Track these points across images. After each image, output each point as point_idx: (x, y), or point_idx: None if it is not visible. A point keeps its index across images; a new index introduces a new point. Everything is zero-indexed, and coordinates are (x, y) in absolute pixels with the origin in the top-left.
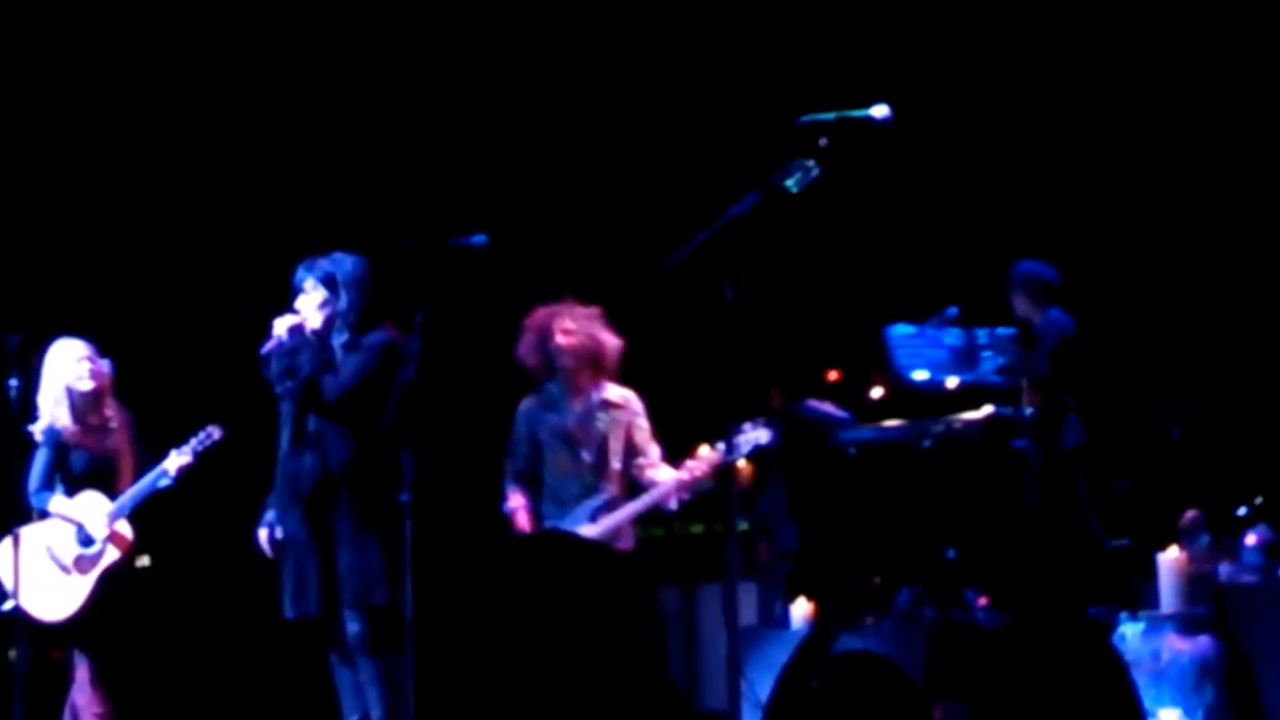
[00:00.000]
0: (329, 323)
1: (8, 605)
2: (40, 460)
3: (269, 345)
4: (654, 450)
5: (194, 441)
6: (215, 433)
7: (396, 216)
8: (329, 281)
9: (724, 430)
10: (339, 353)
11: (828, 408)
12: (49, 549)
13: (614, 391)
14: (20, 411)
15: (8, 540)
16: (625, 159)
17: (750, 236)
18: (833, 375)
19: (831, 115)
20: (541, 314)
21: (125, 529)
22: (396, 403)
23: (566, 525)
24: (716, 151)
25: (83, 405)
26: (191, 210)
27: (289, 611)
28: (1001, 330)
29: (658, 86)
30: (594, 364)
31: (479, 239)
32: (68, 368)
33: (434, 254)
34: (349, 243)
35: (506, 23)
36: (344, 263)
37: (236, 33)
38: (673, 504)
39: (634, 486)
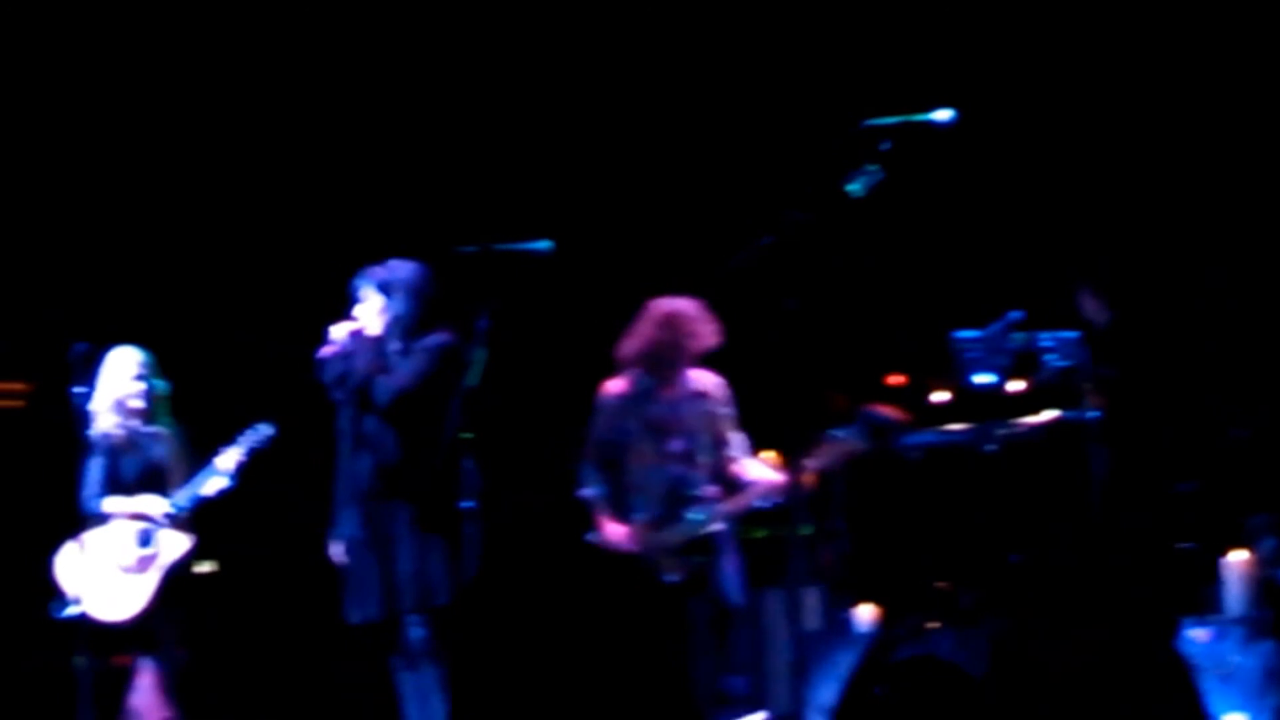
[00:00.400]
0: (386, 328)
1: (72, 610)
2: (96, 468)
3: (325, 350)
4: (738, 440)
5: (245, 438)
6: (266, 429)
7: (461, 222)
8: (385, 288)
9: (805, 437)
10: (395, 358)
11: (891, 413)
12: (110, 552)
13: (703, 379)
14: (88, 418)
15: (65, 552)
16: (689, 162)
17: (814, 241)
18: (896, 380)
19: (894, 119)
20: (672, 311)
21: (184, 530)
22: (460, 408)
23: (686, 527)
24: (781, 155)
25: (133, 418)
26: (254, 216)
27: (352, 616)
28: (1065, 333)
29: (722, 90)
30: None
31: (543, 244)
32: (121, 382)
33: (497, 260)
34: (411, 249)
35: (564, 29)
36: (400, 269)
37: (297, 36)
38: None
39: (719, 478)
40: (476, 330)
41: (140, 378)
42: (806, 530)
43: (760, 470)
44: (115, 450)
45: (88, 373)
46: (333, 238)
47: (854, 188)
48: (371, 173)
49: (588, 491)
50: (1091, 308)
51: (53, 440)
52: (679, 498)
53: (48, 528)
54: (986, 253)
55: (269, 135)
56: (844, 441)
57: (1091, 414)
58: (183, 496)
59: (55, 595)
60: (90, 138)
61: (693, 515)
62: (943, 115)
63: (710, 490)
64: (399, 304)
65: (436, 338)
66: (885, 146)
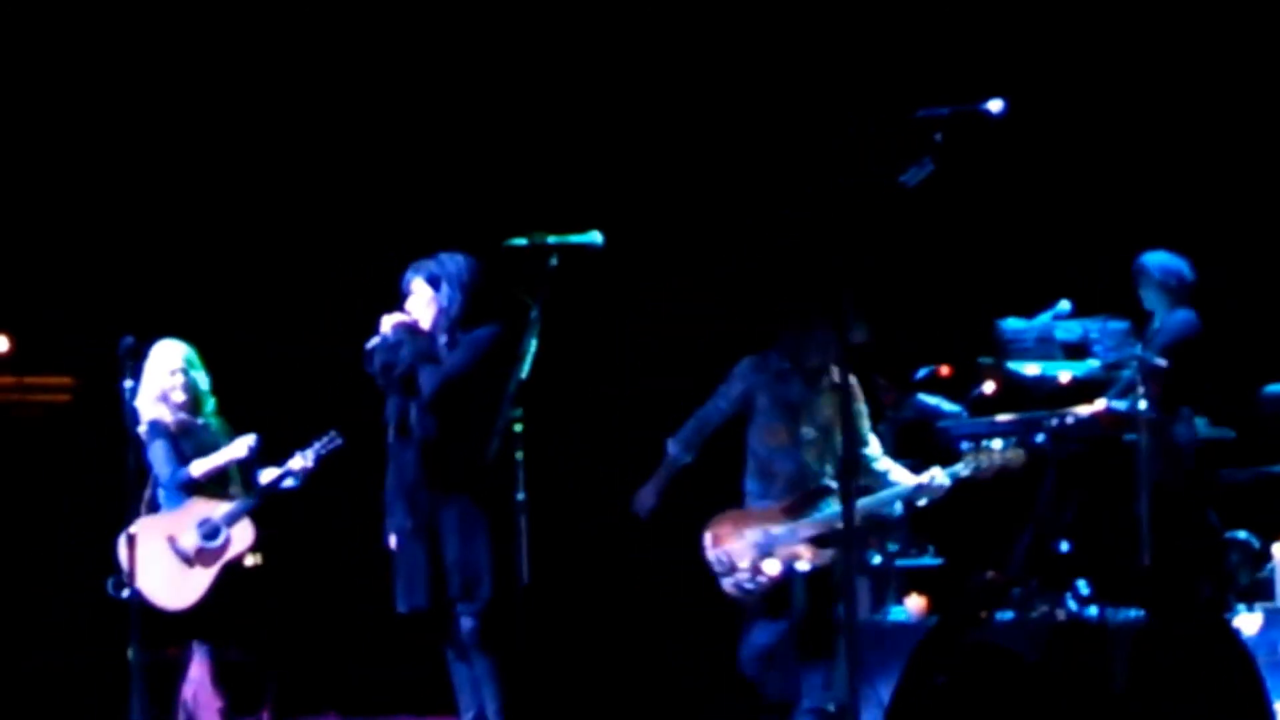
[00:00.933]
0: (434, 321)
1: (126, 593)
2: (161, 447)
3: (373, 341)
4: (875, 441)
5: (317, 445)
6: (337, 439)
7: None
8: (434, 280)
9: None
10: (442, 350)
11: (939, 403)
12: (171, 540)
13: (840, 375)
14: (134, 412)
15: (132, 534)
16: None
17: (866, 231)
18: (944, 370)
19: (946, 109)
20: (828, 303)
21: (248, 526)
22: (510, 400)
23: (825, 517)
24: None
25: (178, 411)
26: (302, 208)
27: (400, 605)
28: (1114, 323)
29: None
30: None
31: (593, 237)
32: (163, 376)
33: (548, 252)
34: (462, 241)
35: (608, 17)
36: (449, 262)
37: (342, 31)
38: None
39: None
40: (527, 322)
41: (181, 371)
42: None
43: (901, 473)
44: (173, 434)
45: (134, 367)
46: (382, 231)
47: (905, 178)
48: (422, 165)
49: (672, 447)
50: (1153, 299)
51: (99, 434)
52: (808, 485)
53: (93, 522)
54: (1036, 243)
55: (319, 124)
56: (1001, 454)
57: (1140, 405)
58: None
59: (114, 575)
60: (136, 131)
61: (830, 508)
62: (995, 105)
63: (837, 484)
64: (447, 296)
65: (485, 330)
66: (937, 138)
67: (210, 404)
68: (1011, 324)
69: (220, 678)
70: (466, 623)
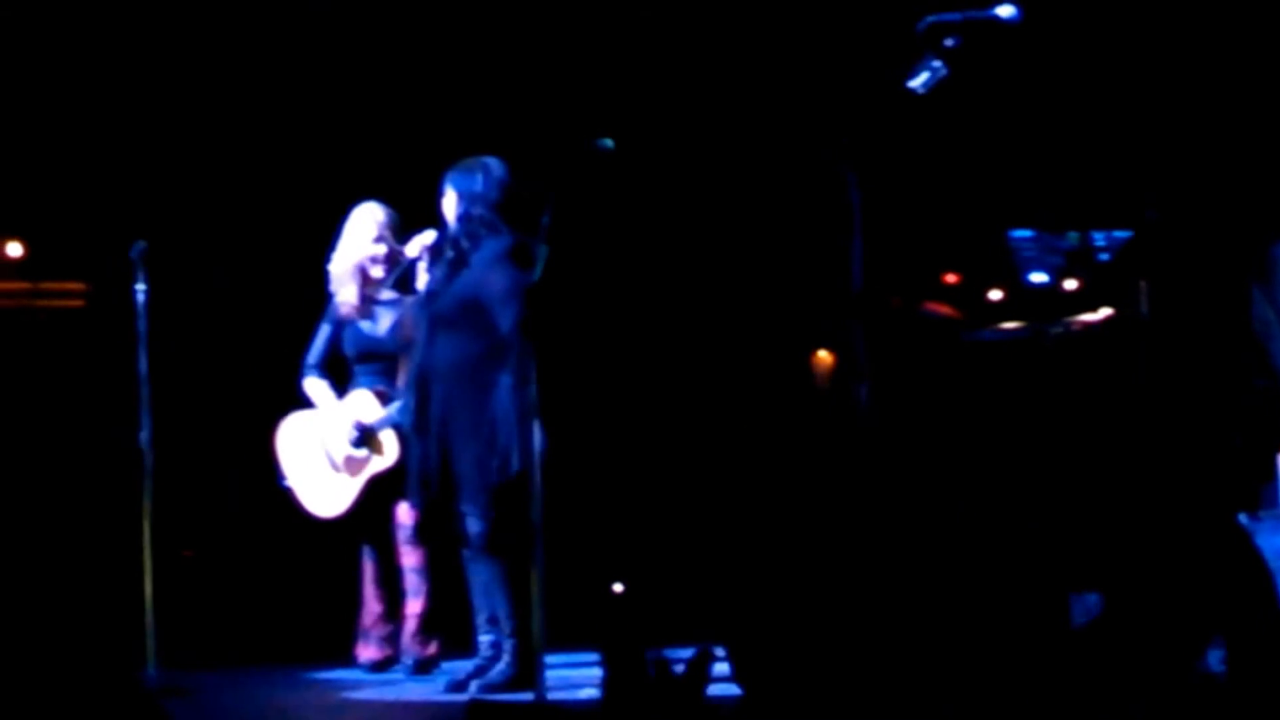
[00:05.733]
0: (456, 226)
1: (289, 483)
2: (321, 336)
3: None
4: None
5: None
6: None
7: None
8: (455, 187)
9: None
10: (469, 255)
11: (946, 310)
12: (323, 442)
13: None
14: (149, 319)
15: (285, 426)
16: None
17: (876, 137)
18: (951, 278)
19: (958, 15)
20: None
21: (392, 440)
22: (522, 303)
23: None
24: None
25: (371, 286)
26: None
27: (411, 500)
28: (1119, 233)
29: None
30: None
31: (604, 142)
32: (363, 243)
33: (559, 157)
34: (477, 147)
35: None
36: (474, 168)
37: None
38: None
39: None
40: (539, 226)
41: (381, 239)
42: None
43: None
44: (341, 320)
45: (147, 271)
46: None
47: (916, 85)
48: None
49: None
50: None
51: (111, 341)
52: None
53: (104, 429)
54: (1044, 151)
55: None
56: None
57: (1146, 311)
58: (394, 411)
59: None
60: (149, 33)
61: None
62: (1006, 10)
63: None
64: (478, 202)
65: (497, 243)
66: (950, 43)
67: (404, 282)
68: (1018, 233)
69: (382, 581)
70: (474, 526)
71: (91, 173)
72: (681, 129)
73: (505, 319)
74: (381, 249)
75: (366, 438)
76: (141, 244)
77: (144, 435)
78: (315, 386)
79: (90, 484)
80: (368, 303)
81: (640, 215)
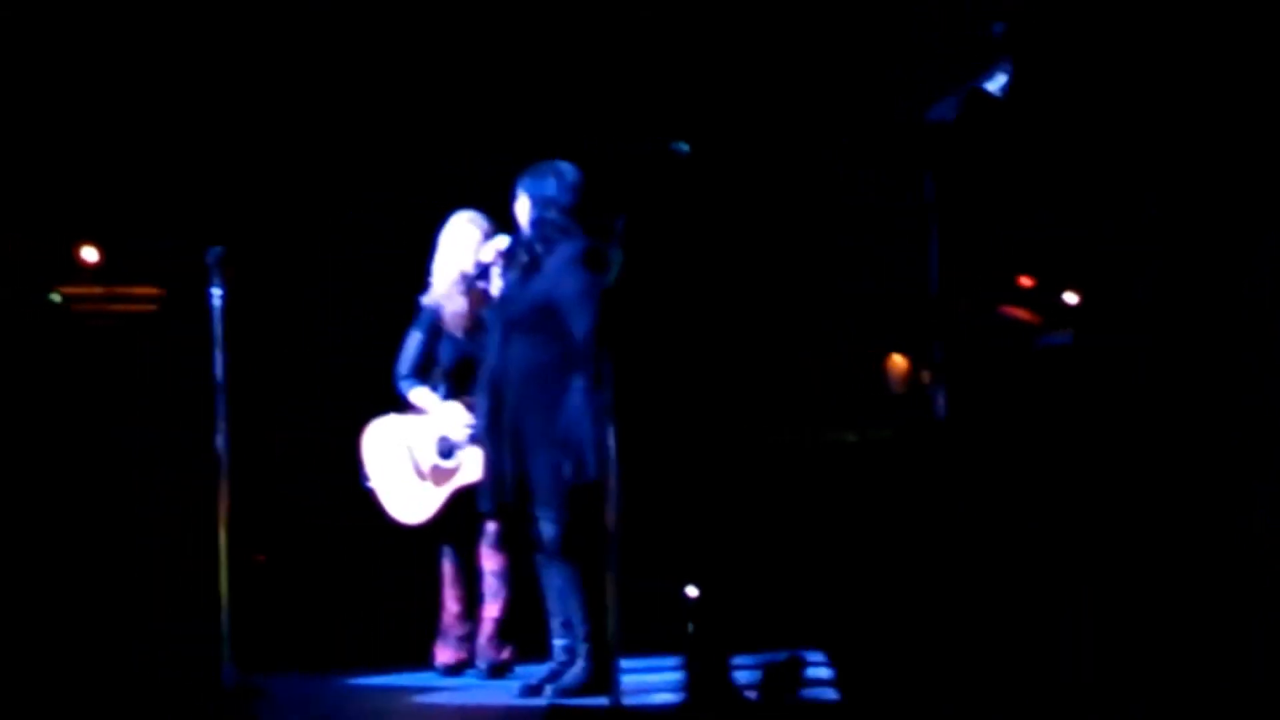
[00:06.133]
0: (530, 231)
1: (371, 485)
2: (413, 344)
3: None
4: None
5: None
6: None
7: (598, 123)
8: (526, 192)
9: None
10: (542, 260)
11: (1023, 315)
12: (410, 450)
13: None
14: (224, 323)
15: (371, 430)
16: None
17: (951, 141)
18: (1026, 281)
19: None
20: None
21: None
22: (596, 306)
23: None
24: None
25: (478, 292)
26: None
27: (484, 505)
28: None
29: None
30: None
31: (679, 145)
32: (470, 251)
33: (634, 161)
34: (551, 150)
35: None
36: (544, 173)
37: None
38: None
39: None
40: (615, 231)
41: (495, 243)
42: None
43: None
44: (438, 330)
45: (223, 277)
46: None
47: (992, 88)
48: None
49: None
50: None
51: (186, 345)
52: None
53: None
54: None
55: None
56: None
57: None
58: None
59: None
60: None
61: None
62: None
63: None
64: (550, 207)
65: (570, 247)
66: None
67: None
68: None
69: (461, 581)
70: (547, 530)
71: (167, 177)
72: (757, 132)
73: (579, 322)
74: (494, 249)
75: (454, 451)
76: (218, 249)
77: (219, 439)
78: (421, 393)
79: (166, 488)
80: (476, 314)
81: (715, 218)
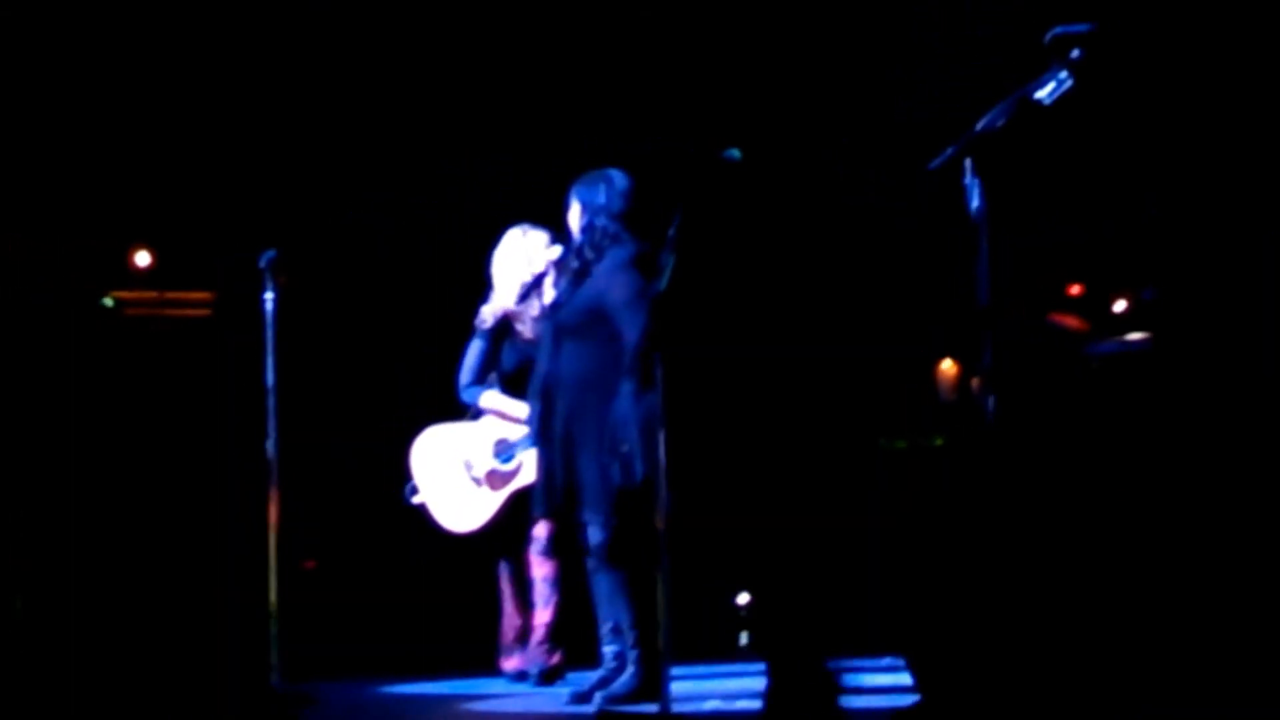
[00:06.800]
0: (581, 236)
1: (416, 499)
2: (474, 352)
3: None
4: None
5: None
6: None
7: (650, 127)
8: (579, 199)
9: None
10: (592, 266)
11: (1071, 322)
12: (465, 456)
13: None
14: (277, 325)
15: (422, 439)
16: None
17: (1002, 149)
18: (1075, 289)
19: (1085, 26)
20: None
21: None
22: (646, 311)
23: None
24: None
25: (537, 296)
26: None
27: (538, 510)
28: None
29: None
30: None
31: (731, 152)
32: (540, 255)
33: (685, 167)
34: (602, 157)
35: None
36: (595, 182)
37: None
38: None
39: None
40: (666, 237)
41: (550, 260)
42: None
43: None
44: (500, 337)
45: (275, 281)
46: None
47: (1042, 96)
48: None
49: None
50: None
51: (238, 350)
52: None
53: (230, 437)
54: (1173, 163)
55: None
56: None
57: None
58: None
59: (408, 481)
60: (284, 47)
61: None
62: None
63: None
64: (601, 214)
65: (620, 252)
66: (1076, 55)
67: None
68: None
69: (519, 593)
70: (595, 536)
71: (220, 182)
72: (808, 138)
73: (630, 327)
74: (550, 258)
75: (512, 454)
76: (271, 253)
77: (270, 445)
78: (491, 396)
79: (217, 493)
80: (539, 320)
81: (766, 224)
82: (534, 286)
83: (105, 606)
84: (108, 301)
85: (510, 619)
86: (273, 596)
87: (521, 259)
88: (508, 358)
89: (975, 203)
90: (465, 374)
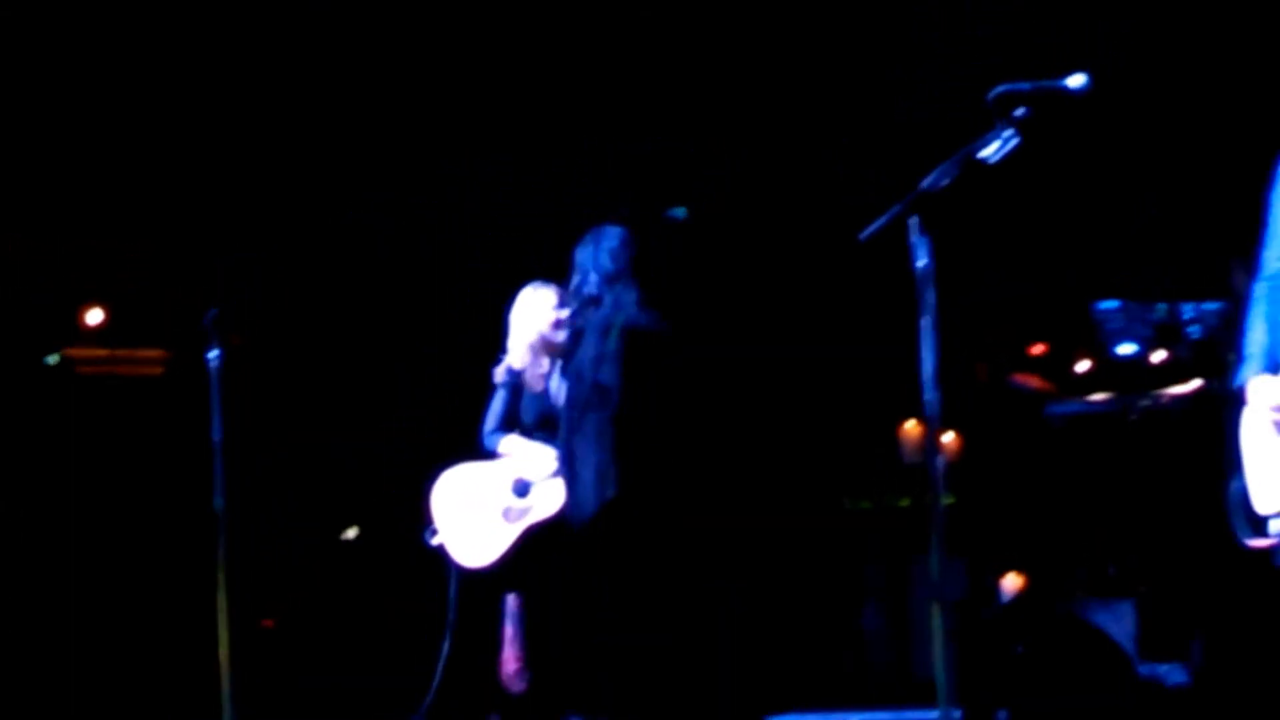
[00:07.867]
0: (574, 298)
1: (435, 540)
2: (498, 402)
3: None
4: None
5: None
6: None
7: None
8: (580, 258)
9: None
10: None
11: (1033, 382)
12: (481, 495)
13: None
14: (222, 383)
15: (445, 480)
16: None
17: (947, 210)
18: (1038, 349)
19: (1028, 85)
20: None
21: (559, 489)
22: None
23: None
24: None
25: (550, 354)
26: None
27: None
28: (1208, 305)
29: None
30: None
31: (677, 212)
32: (544, 315)
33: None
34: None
35: None
36: (588, 240)
37: None
38: None
39: None
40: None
41: (560, 311)
42: (948, 500)
43: None
44: (520, 389)
45: (221, 338)
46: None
47: (987, 155)
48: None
49: None
50: (1242, 280)
51: (189, 407)
52: None
53: (184, 496)
54: (1127, 222)
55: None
56: None
57: (1236, 384)
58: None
59: (427, 522)
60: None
61: None
62: (1077, 81)
63: None
64: (597, 273)
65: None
66: (1021, 113)
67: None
68: (1105, 304)
69: (527, 635)
70: None
71: (172, 240)
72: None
73: (607, 380)
74: (560, 317)
75: (528, 490)
76: (214, 310)
77: (218, 500)
78: (509, 441)
79: (167, 549)
80: (544, 372)
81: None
82: (540, 346)
83: (53, 661)
84: (52, 358)
85: (508, 669)
86: (223, 652)
87: (528, 319)
88: (527, 411)
89: (922, 260)
90: (490, 421)
